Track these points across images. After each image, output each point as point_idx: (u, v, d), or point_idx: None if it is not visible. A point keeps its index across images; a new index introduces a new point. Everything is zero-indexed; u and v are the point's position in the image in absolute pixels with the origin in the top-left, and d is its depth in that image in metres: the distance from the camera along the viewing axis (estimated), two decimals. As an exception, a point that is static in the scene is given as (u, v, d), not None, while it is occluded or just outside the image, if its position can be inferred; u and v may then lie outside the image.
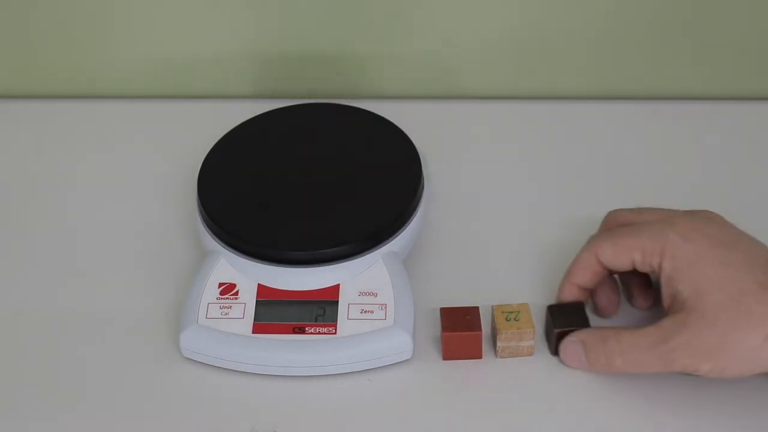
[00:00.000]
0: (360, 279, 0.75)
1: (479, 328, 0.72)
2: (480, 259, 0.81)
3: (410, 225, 0.78)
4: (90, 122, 0.96)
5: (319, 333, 0.72)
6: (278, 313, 0.73)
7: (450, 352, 0.73)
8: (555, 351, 0.73)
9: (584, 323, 0.73)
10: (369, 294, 0.74)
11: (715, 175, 0.88)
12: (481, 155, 0.90)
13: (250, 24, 0.96)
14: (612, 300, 0.75)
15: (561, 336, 0.72)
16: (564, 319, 0.73)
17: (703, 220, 0.71)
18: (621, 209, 0.75)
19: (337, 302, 0.74)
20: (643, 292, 0.75)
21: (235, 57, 0.98)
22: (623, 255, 0.71)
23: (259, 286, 0.75)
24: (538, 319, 0.75)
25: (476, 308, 0.73)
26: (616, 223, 0.75)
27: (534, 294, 0.76)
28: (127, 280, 0.80)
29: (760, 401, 0.70)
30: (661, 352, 0.67)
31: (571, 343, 0.72)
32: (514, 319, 0.73)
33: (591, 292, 0.75)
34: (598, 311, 0.75)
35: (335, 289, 0.74)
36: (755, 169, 0.89)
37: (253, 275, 0.75)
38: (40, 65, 0.99)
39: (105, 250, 0.83)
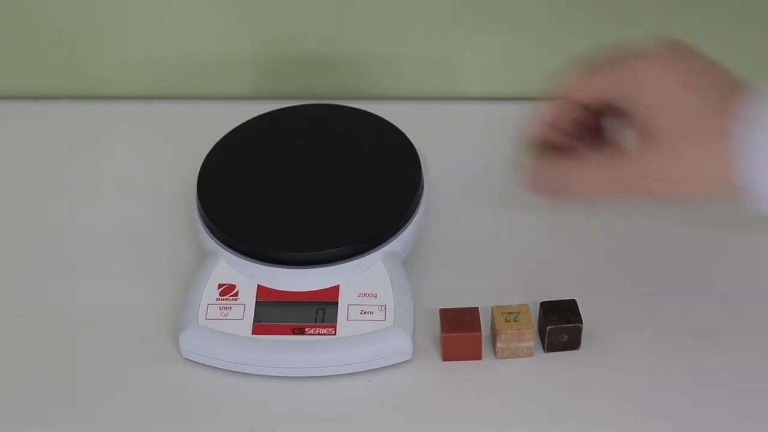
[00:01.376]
0: (359, 280, 0.75)
1: (479, 329, 0.73)
2: (480, 259, 0.81)
3: (410, 226, 0.78)
4: (90, 122, 0.96)
5: (318, 334, 0.72)
6: (278, 314, 0.73)
7: (449, 353, 0.73)
8: (548, 348, 0.74)
9: (577, 320, 0.73)
10: (368, 295, 0.74)
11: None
12: (480, 156, 0.90)
13: (250, 25, 0.96)
14: (591, 147, 0.73)
15: (553, 333, 0.73)
16: (557, 316, 0.73)
17: (670, 47, 0.70)
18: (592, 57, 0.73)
19: (336, 303, 0.74)
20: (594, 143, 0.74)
21: (235, 58, 0.98)
22: (595, 86, 0.70)
23: (259, 287, 0.75)
24: (537, 320, 0.75)
25: (476, 309, 0.74)
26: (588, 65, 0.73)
27: (533, 295, 0.76)
28: (127, 280, 0.80)
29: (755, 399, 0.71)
30: (623, 178, 0.67)
31: (539, 173, 0.72)
32: (514, 320, 0.73)
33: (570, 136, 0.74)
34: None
35: (335, 290, 0.74)
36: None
37: (252, 276, 0.75)
38: (41, 66, 0.99)
39: (105, 250, 0.83)
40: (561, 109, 0.72)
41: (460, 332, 0.72)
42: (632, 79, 0.69)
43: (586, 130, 0.74)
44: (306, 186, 0.80)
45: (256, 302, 0.74)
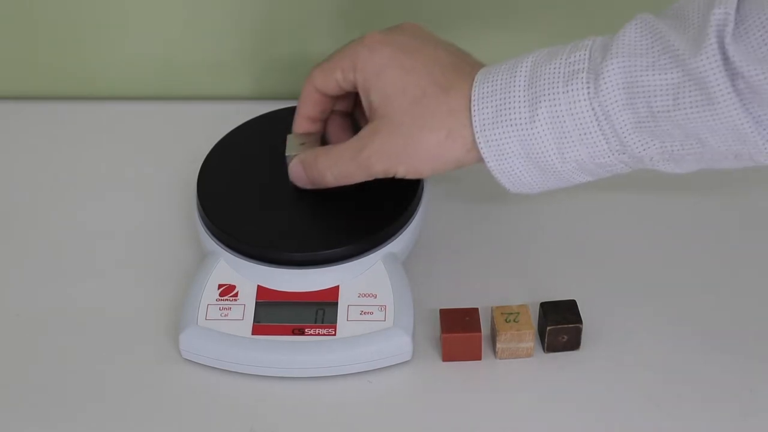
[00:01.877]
0: (359, 280, 0.75)
1: (479, 330, 0.73)
2: (480, 259, 0.81)
3: (410, 226, 0.78)
4: (90, 123, 0.96)
5: (318, 334, 0.72)
6: (278, 315, 0.73)
7: (449, 354, 0.73)
8: (548, 348, 0.74)
9: (577, 320, 0.73)
10: (368, 295, 0.74)
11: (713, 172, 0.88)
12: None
13: (250, 25, 0.96)
14: (343, 134, 0.78)
15: (553, 333, 0.73)
16: (557, 316, 0.73)
17: (394, 31, 0.73)
18: None
19: (336, 303, 0.74)
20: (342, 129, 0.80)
21: (235, 58, 0.98)
22: (328, 77, 0.74)
23: (259, 287, 0.75)
24: (536, 320, 0.75)
25: (476, 309, 0.74)
26: None
27: (533, 295, 0.76)
28: (127, 281, 0.80)
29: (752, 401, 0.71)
30: (360, 160, 0.71)
31: (294, 165, 0.77)
32: (514, 321, 0.73)
33: (324, 125, 0.80)
34: (330, 143, 0.79)
35: (335, 290, 0.74)
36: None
37: (252, 276, 0.75)
38: (41, 66, 0.99)
39: (105, 250, 0.83)
40: (309, 101, 0.77)
41: (460, 333, 0.72)
42: (350, 64, 0.72)
43: (342, 117, 0.79)
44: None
45: (256, 302, 0.74)
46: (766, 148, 0.63)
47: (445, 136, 0.69)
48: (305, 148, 0.77)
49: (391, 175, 0.72)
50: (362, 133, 0.72)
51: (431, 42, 0.73)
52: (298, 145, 0.78)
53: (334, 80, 0.74)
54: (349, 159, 0.72)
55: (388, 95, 0.70)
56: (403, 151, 0.70)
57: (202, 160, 0.83)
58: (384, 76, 0.71)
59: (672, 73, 0.62)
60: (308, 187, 0.76)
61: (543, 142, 0.67)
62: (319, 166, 0.74)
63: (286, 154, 0.78)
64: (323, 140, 0.80)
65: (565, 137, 0.66)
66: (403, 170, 0.71)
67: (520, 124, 0.67)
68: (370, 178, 0.73)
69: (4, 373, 0.74)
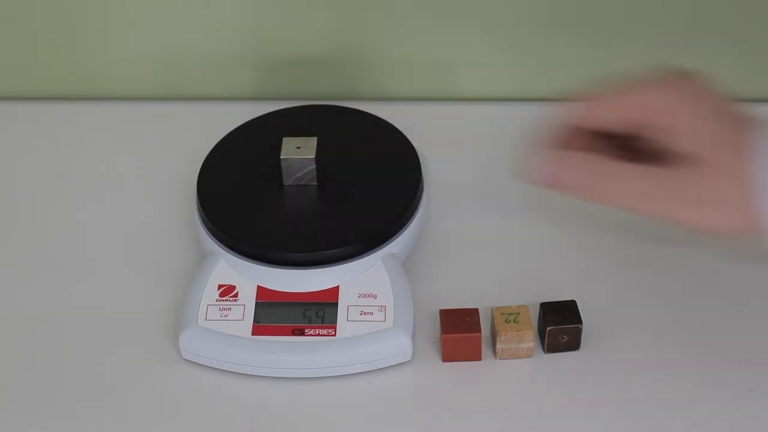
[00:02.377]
0: (359, 281, 0.75)
1: (479, 330, 0.73)
2: (480, 260, 0.81)
3: (410, 226, 0.78)
4: (90, 123, 0.96)
5: (318, 335, 0.72)
6: (278, 315, 0.73)
7: (449, 354, 0.73)
8: (548, 348, 0.74)
9: (577, 321, 0.73)
10: (368, 296, 0.74)
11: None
12: (480, 156, 0.90)
13: (250, 25, 0.96)
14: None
15: (553, 333, 0.73)
16: (557, 316, 0.73)
17: (697, 86, 0.69)
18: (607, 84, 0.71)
19: (336, 304, 0.74)
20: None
21: (235, 58, 0.98)
22: (627, 111, 0.69)
23: (259, 287, 0.75)
24: (536, 320, 0.75)
25: (476, 310, 0.74)
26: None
27: (533, 296, 0.76)
28: (127, 281, 0.80)
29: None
30: (666, 193, 0.66)
31: (577, 161, 0.69)
32: (514, 321, 0.73)
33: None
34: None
35: (335, 290, 0.74)
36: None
37: (252, 277, 0.75)
38: (41, 66, 0.99)
39: (105, 250, 0.83)
40: (583, 118, 0.71)
41: (460, 333, 0.72)
42: (658, 107, 0.68)
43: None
44: (306, 187, 0.80)
45: (256, 303, 0.74)
46: None
47: (744, 197, 0.65)
48: (301, 151, 0.78)
49: (678, 223, 0.67)
50: (670, 172, 0.67)
51: (720, 94, 0.69)
52: (294, 148, 0.78)
53: (634, 117, 0.69)
54: (649, 186, 0.67)
55: (700, 146, 0.66)
56: (711, 202, 0.66)
57: (202, 160, 0.83)
58: (698, 126, 0.67)
59: None
60: (581, 194, 0.69)
61: None
62: (606, 176, 0.68)
63: (281, 157, 0.78)
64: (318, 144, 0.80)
65: None
66: (701, 220, 0.67)
67: None
68: (642, 213, 0.68)
69: (4, 373, 0.74)
